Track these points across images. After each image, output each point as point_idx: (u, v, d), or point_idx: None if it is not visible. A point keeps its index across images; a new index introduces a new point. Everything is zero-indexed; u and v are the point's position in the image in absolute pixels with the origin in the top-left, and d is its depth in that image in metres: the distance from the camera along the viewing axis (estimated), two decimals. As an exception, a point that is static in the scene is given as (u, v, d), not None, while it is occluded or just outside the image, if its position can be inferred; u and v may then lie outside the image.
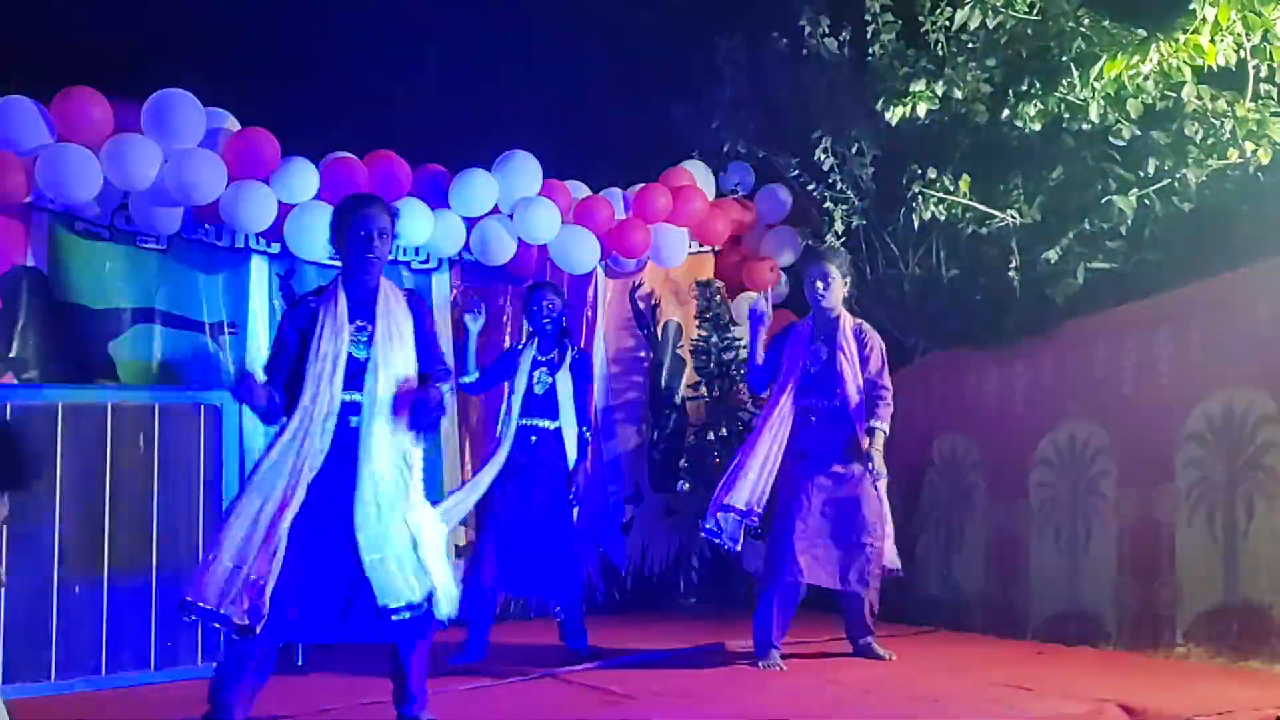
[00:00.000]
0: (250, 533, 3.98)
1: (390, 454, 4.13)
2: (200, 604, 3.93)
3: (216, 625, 3.97)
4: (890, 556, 5.58)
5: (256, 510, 4.01)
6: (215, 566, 3.95)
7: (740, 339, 7.41)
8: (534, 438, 5.71)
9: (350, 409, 4.12)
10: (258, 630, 3.93)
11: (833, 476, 5.45)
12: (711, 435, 7.30)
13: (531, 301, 5.84)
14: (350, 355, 4.14)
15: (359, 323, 4.18)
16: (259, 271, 6.24)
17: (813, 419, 5.51)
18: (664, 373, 7.64)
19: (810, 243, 7.30)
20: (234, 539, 3.98)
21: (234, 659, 4.09)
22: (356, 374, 4.14)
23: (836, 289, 5.55)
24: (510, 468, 5.63)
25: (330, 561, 4.07)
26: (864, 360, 5.51)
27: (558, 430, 5.74)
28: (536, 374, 5.75)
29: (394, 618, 4.08)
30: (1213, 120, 5.63)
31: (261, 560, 3.96)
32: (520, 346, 5.94)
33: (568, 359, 5.80)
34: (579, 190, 7.11)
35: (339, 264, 4.28)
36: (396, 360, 4.20)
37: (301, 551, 4.03)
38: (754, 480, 5.46)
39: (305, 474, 4.05)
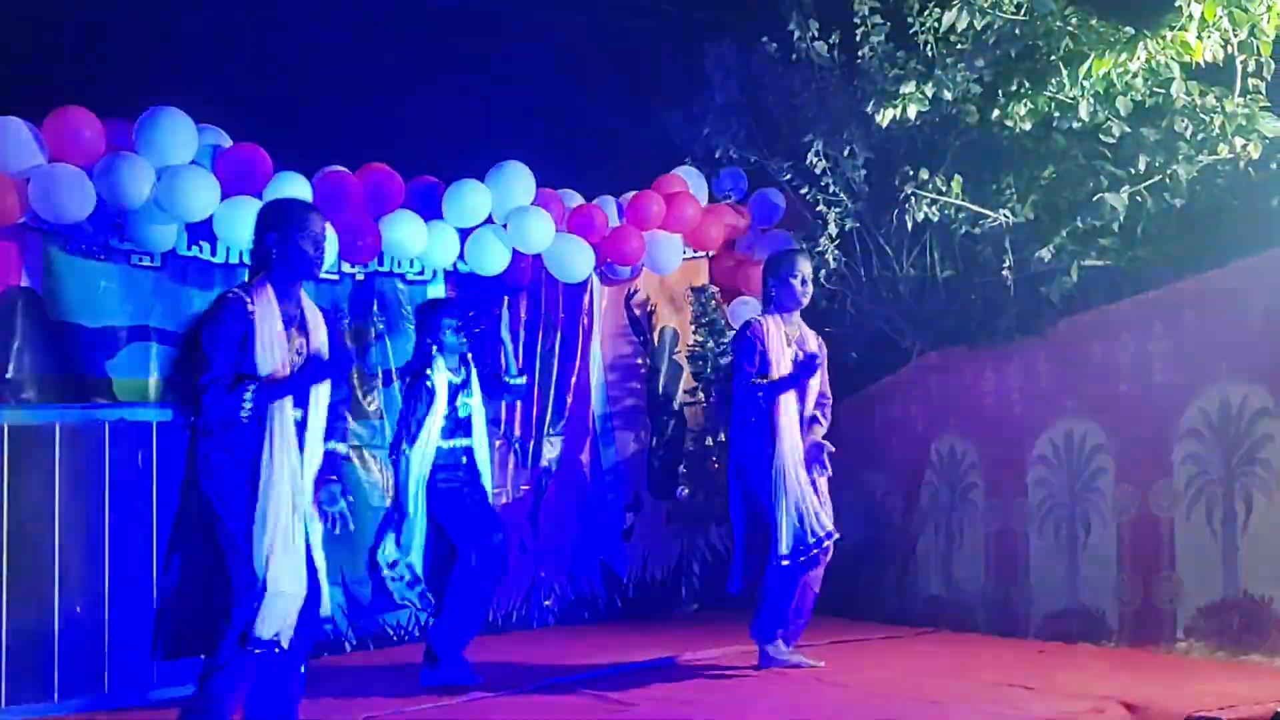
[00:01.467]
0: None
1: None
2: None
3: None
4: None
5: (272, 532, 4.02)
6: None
7: (737, 343, 7.40)
8: (464, 459, 5.49)
9: (300, 426, 4.10)
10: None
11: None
12: (710, 441, 7.29)
13: (443, 318, 5.50)
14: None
15: (292, 332, 4.11)
16: (254, 287, 6.23)
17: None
18: (661, 379, 7.64)
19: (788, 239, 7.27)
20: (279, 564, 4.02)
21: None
22: None
23: (810, 289, 5.55)
24: (446, 490, 5.41)
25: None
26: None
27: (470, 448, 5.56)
28: (460, 396, 5.48)
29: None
30: (1202, 116, 5.64)
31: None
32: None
33: (474, 378, 5.59)
34: (572, 199, 7.11)
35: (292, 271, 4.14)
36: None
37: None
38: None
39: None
